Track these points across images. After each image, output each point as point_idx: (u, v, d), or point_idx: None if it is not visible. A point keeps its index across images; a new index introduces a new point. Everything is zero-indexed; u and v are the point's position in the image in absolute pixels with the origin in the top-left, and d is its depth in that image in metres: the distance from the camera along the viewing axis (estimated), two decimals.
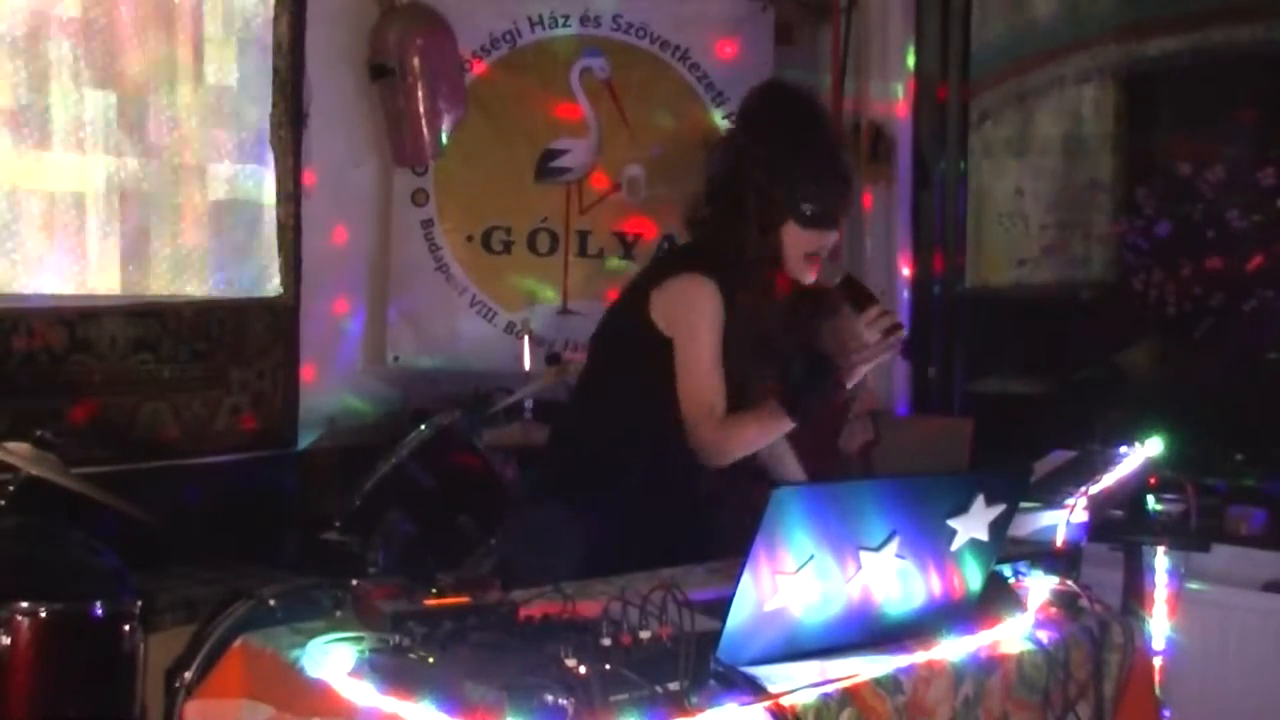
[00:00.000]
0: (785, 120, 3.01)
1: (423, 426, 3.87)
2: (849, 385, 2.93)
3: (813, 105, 3.15)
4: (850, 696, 2.10)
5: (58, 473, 3.24)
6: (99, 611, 3.08)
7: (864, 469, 4.69)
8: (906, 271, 4.93)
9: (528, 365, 4.45)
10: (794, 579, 2.10)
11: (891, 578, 2.24)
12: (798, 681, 2.08)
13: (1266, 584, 4.01)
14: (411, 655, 2.00)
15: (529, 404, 4.26)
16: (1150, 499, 3.40)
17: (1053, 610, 2.56)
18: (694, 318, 2.93)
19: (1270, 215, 4.41)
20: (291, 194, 4.67)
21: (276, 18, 4.57)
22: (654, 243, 4.98)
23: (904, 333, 2.92)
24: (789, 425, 2.92)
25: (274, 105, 4.59)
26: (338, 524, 3.84)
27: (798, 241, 2.96)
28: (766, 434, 2.97)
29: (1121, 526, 3.38)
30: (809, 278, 2.99)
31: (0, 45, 3.94)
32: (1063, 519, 2.96)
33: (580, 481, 3.06)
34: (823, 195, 2.95)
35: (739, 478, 3.09)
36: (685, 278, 2.96)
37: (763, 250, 2.96)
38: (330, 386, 4.88)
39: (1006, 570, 2.60)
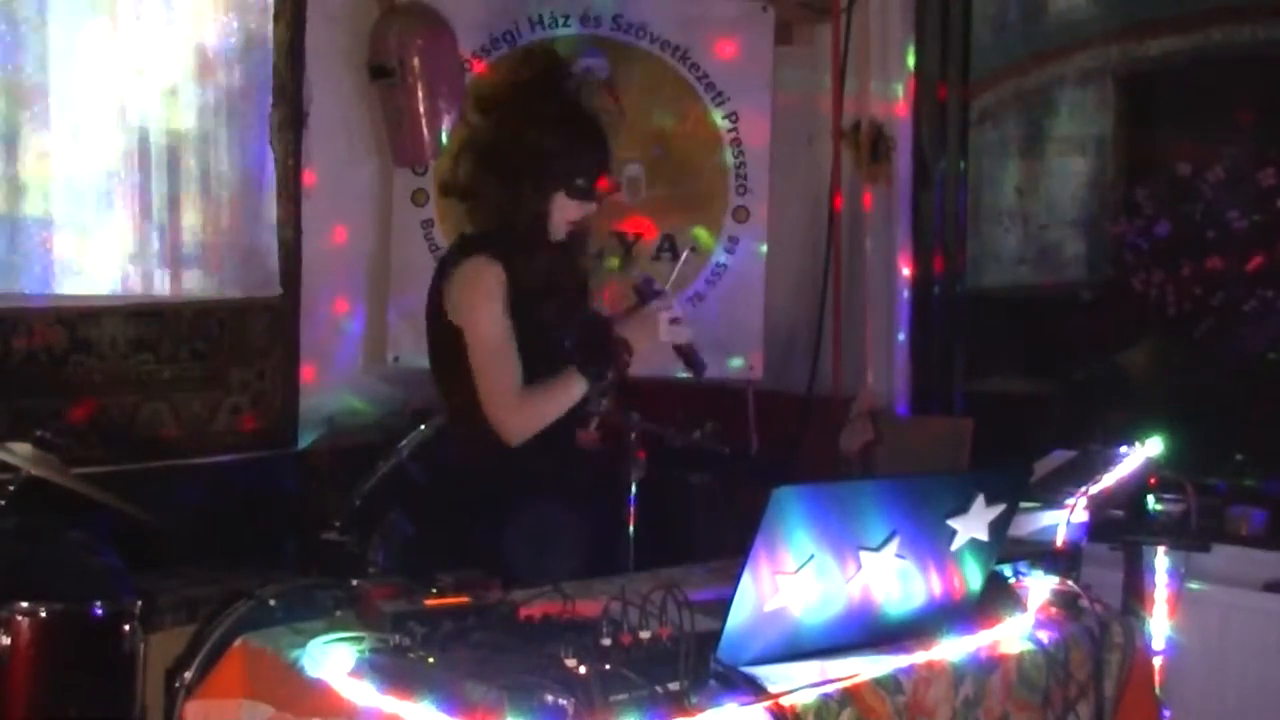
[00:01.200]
0: (561, 95, 3.10)
1: (423, 426, 3.87)
2: (637, 348, 3.04)
3: (584, 84, 3.25)
4: (850, 696, 2.10)
5: (58, 473, 3.25)
6: (99, 611, 3.08)
7: (864, 469, 4.69)
8: (906, 271, 4.93)
9: None
10: (794, 579, 2.10)
11: (891, 578, 2.24)
12: (798, 681, 2.08)
13: (1266, 584, 4.00)
14: (411, 655, 2.00)
15: None
16: (1150, 499, 3.40)
17: (1053, 610, 2.56)
18: (476, 301, 2.98)
19: (1270, 215, 4.41)
20: (291, 194, 4.67)
21: (276, 18, 4.57)
22: (654, 242, 4.98)
23: (689, 335, 3.07)
24: (585, 385, 2.99)
25: (274, 105, 4.59)
26: (338, 524, 3.84)
27: (565, 211, 3.07)
28: (562, 402, 2.99)
29: (1121, 526, 3.38)
30: (562, 238, 3.10)
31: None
32: (1063, 519, 2.97)
33: (454, 499, 3.09)
34: (592, 171, 3.07)
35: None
36: (466, 264, 3.02)
37: (535, 216, 3.04)
38: (330, 386, 4.88)
39: (1006, 570, 2.61)
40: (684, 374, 3.19)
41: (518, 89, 3.13)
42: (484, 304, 2.96)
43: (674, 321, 3.08)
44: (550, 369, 2.99)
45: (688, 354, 3.13)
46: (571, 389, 2.98)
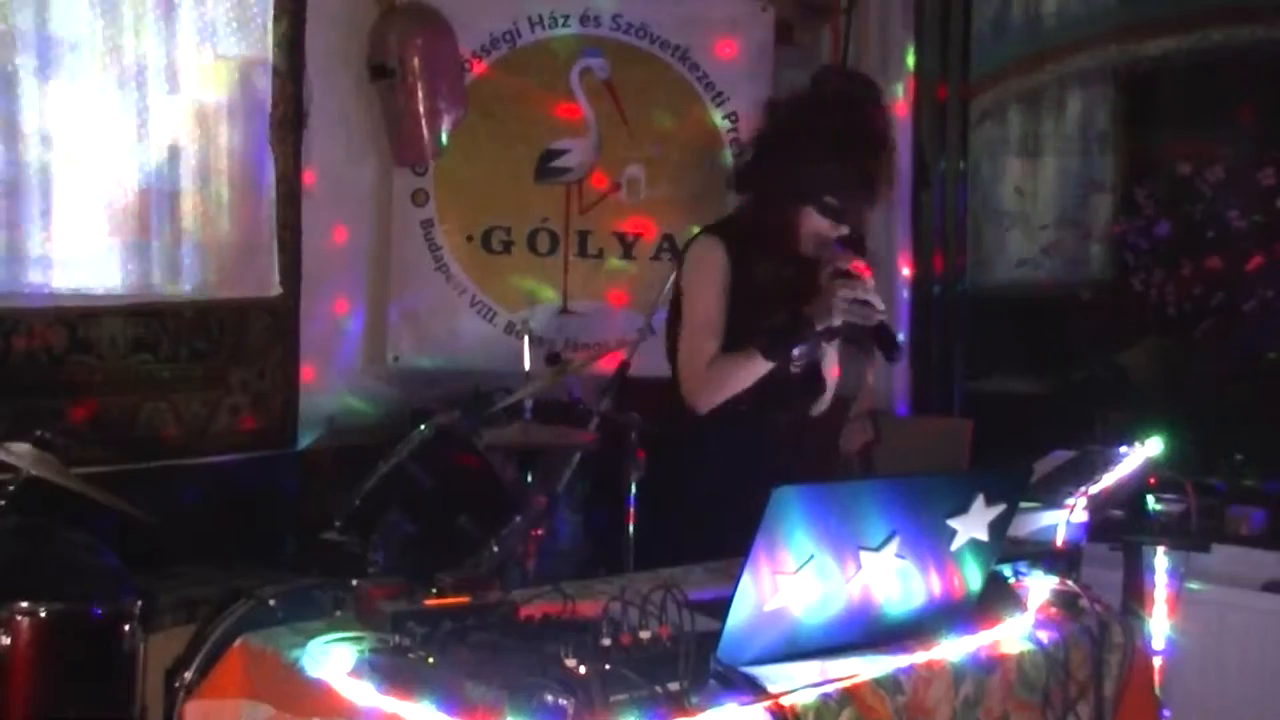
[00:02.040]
0: (837, 114, 3.12)
1: (423, 426, 3.87)
2: (822, 323, 2.99)
3: (865, 99, 3.25)
4: (850, 696, 2.10)
5: (58, 473, 3.25)
6: (99, 611, 3.08)
7: (864, 469, 4.69)
8: (906, 271, 4.93)
9: (528, 365, 4.44)
10: (794, 579, 2.10)
11: (891, 578, 2.24)
12: (798, 681, 2.08)
13: (1266, 584, 4.01)
14: (411, 655, 2.00)
15: (529, 404, 4.25)
16: (1150, 499, 3.40)
17: (1053, 610, 2.56)
18: (697, 275, 3.15)
19: (1270, 215, 4.42)
20: (291, 194, 4.67)
21: (276, 18, 4.56)
22: (654, 243, 4.98)
23: (878, 314, 2.98)
24: (763, 362, 3.03)
25: (274, 105, 4.59)
26: (338, 524, 3.84)
27: (813, 225, 3.11)
28: (741, 375, 3.06)
29: (1121, 526, 3.38)
30: (812, 254, 3.11)
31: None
32: (1063, 519, 2.96)
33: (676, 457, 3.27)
34: (844, 192, 3.09)
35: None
36: (697, 241, 3.19)
37: (780, 222, 3.10)
38: (330, 386, 4.88)
39: (1006, 570, 2.60)
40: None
41: (806, 96, 3.22)
42: (702, 280, 3.12)
43: (856, 302, 2.97)
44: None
45: (878, 335, 3.02)
46: (750, 364, 3.04)
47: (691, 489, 3.20)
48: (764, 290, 3.10)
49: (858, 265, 3.01)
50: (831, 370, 3.22)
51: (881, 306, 3.00)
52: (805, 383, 3.17)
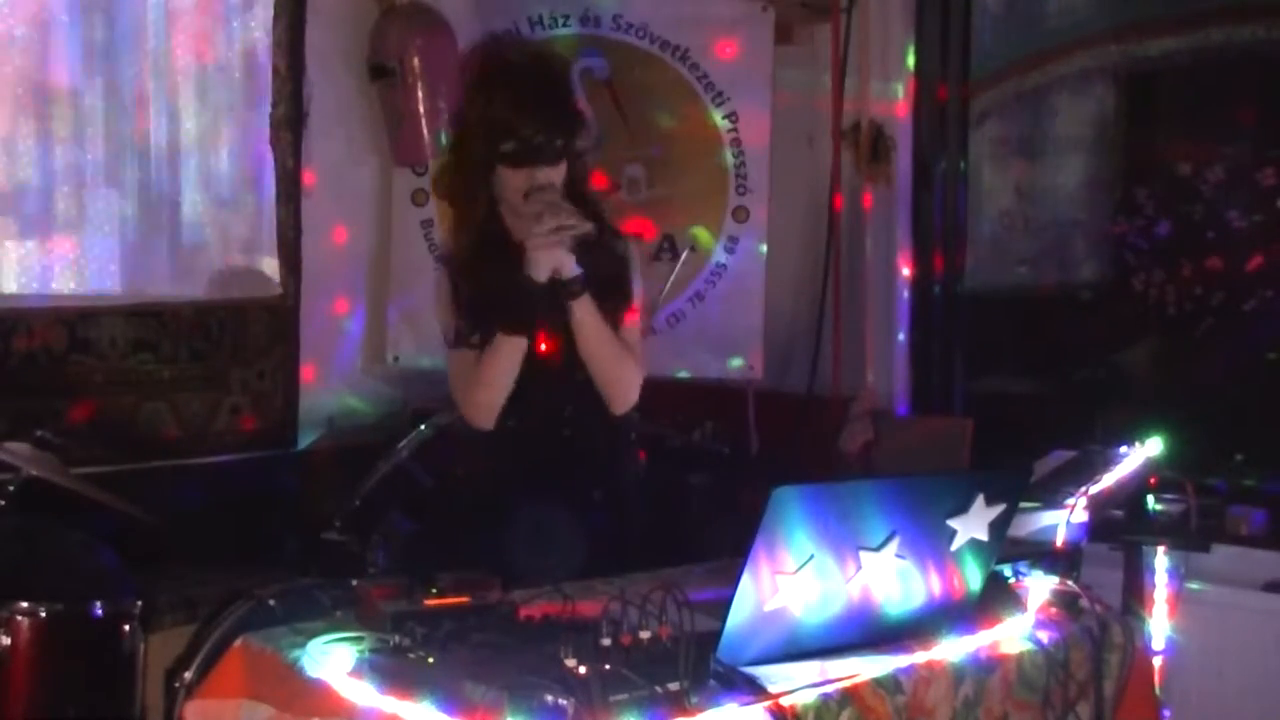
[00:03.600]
0: (491, 71, 3.02)
1: (423, 426, 3.87)
2: (536, 276, 2.88)
3: (527, 49, 3.15)
4: (850, 696, 2.10)
5: (58, 473, 3.25)
6: (99, 611, 3.08)
7: (864, 469, 4.69)
8: (906, 271, 4.93)
9: None
10: (794, 579, 2.10)
11: (891, 578, 2.24)
12: (798, 681, 2.08)
13: (1266, 584, 4.00)
14: (411, 655, 2.00)
15: None
16: (1150, 499, 3.40)
17: (1053, 610, 2.56)
18: (435, 306, 3.05)
19: (1270, 215, 4.41)
20: (291, 194, 4.67)
21: (276, 18, 4.56)
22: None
23: (581, 227, 2.87)
24: (510, 340, 2.91)
25: (274, 105, 4.59)
26: (338, 524, 3.84)
27: (510, 183, 2.93)
28: (493, 362, 2.93)
29: (1121, 526, 3.38)
30: (531, 220, 2.90)
31: None
32: (1063, 519, 2.96)
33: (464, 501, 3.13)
34: (519, 130, 2.90)
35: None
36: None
37: (489, 210, 2.96)
38: (330, 386, 4.88)
39: (1006, 570, 2.61)
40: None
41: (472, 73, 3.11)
42: (440, 315, 3.03)
43: (554, 230, 2.84)
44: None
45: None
46: (499, 348, 2.92)
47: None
48: (487, 273, 2.96)
49: (545, 201, 2.86)
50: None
51: (578, 221, 2.86)
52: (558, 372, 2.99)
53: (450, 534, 3.07)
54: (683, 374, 4.86)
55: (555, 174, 2.94)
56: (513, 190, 2.94)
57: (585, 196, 3.02)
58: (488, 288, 2.95)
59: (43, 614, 3.01)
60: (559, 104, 2.99)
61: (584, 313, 2.95)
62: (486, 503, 3.04)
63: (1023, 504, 2.69)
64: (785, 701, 2.00)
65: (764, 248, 4.95)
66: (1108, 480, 3.17)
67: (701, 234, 4.94)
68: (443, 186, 3.08)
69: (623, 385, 3.05)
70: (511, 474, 3.03)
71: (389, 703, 1.97)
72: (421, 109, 4.65)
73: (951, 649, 2.29)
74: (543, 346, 2.96)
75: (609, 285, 3.02)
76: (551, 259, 2.88)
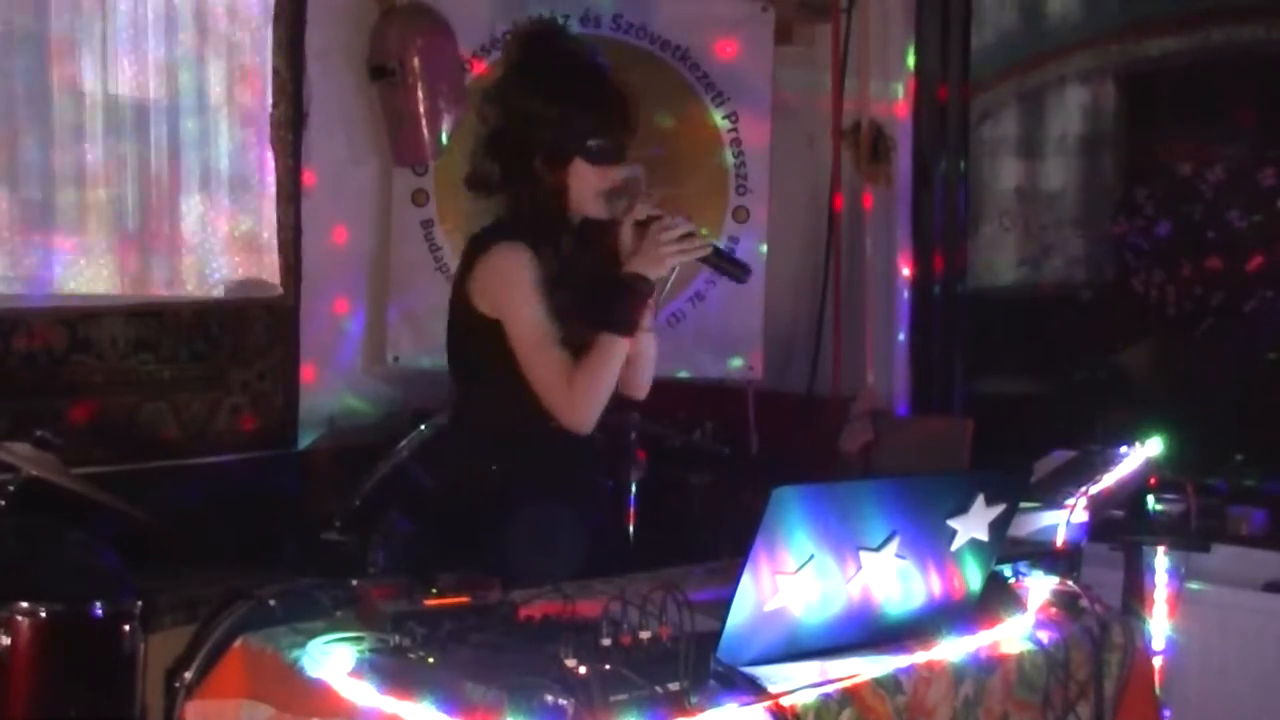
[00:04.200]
0: (557, 61, 2.95)
1: (423, 426, 3.87)
2: (656, 275, 2.85)
3: (578, 44, 3.08)
4: (850, 696, 2.10)
5: (58, 473, 3.25)
6: (99, 611, 3.08)
7: (864, 469, 4.69)
8: (906, 271, 4.93)
9: None
10: (794, 579, 2.10)
11: (891, 578, 2.24)
12: (798, 681, 2.08)
13: (1266, 584, 4.00)
14: (411, 655, 2.00)
15: None
16: (1150, 499, 3.40)
17: (1053, 610, 2.56)
18: (512, 289, 2.83)
19: (1270, 215, 4.41)
20: (291, 194, 4.67)
21: (276, 18, 4.56)
22: None
23: (707, 241, 2.88)
24: (622, 343, 2.82)
25: (274, 105, 4.59)
26: (338, 524, 3.85)
27: (588, 180, 2.90)
28: (608, 369, 2.83)
29: (1121, 526, 3.38)
30: (601, 214, 2.92)
31: None
32: (1063, 519, 2.96)
33: (470, 490, 2.97)
34: (606, 130, 2.90)
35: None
36: (494, 252, 2.86)
37: (555, 194, 2.90)
38: (330, 386, 4.88)
39: (1006, 570, 2.60)
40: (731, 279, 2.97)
41: (512, 66, 3.00)
42: (520, 293, 2.81)
43: (684, 238, 2.85)
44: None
45: (715, 263, 2.91)
46: (609, 350, 2.82)
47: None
48: (573, 273, 2.89)
49: (649, 201, 2.87)
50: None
51: (704, 232, 2.89)
52: None
53: (456, 533, 3.04)
54: (683, 374, 4.86)
55: (623, 172, 2.95)
56: (588, 185, 2.90)
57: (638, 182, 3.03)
58: (589, 281, 2.89)
59: (43, 614, 3.01)
60: (630, 103, 3.01)
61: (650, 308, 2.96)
62: (496, 502, 3.01)
63: (1023, 504, 2.69)
64: (785, 701, 2.00)
65: (764, 248, 4.95)
66: (1108, 480, 3.16)
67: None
68: (489, 174, 2.97)
69: (650, 376, 3.07)
70: (527, 473, 2.96)
71: (389, 703, 1.97)
72: (421, 109, 4.65)
73: (951, 649, 2.29)
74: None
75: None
76: (675, 261, 2.86)
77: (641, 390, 3.06)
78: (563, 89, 2.90)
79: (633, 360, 2.93)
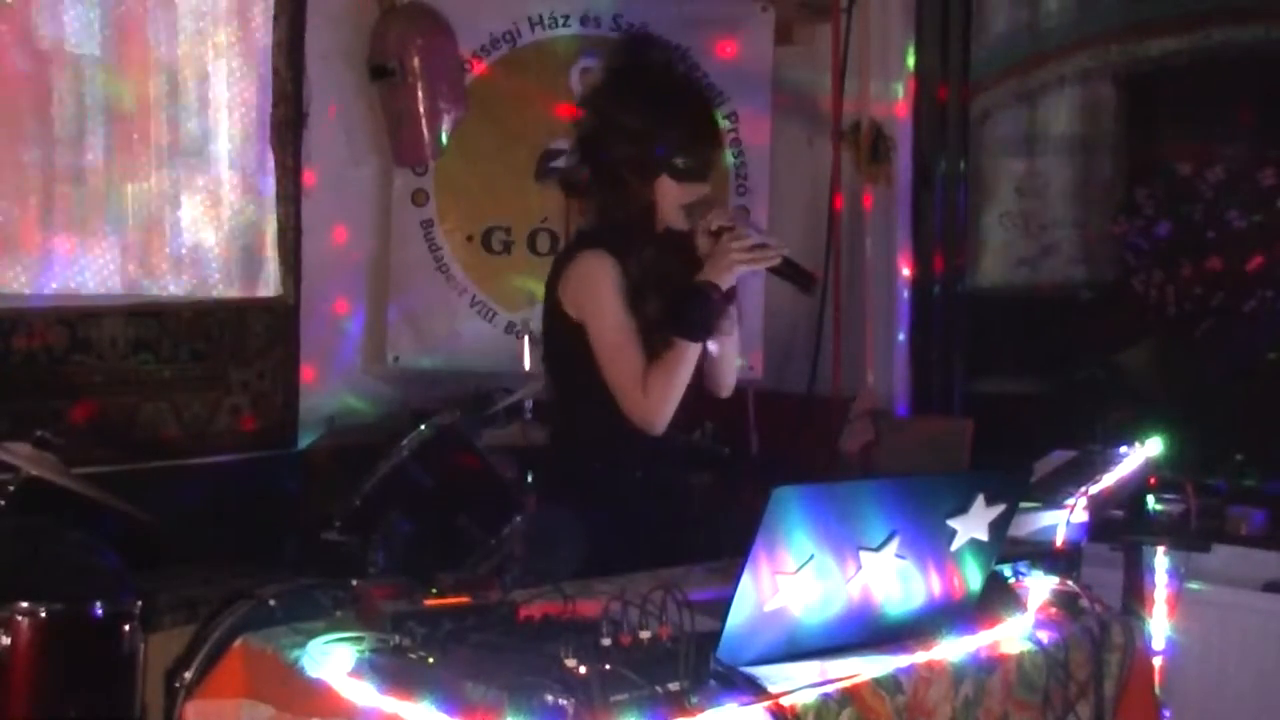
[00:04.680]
0: (653, 76, 3.04)
1: (423, 426, 3.87)
2: (724, 283, 2.92)
3: (674, 62, 3.15)
4: (850, 696, 2.10)
5: (58, 473, 3.25)
6: (99, 611, 3.08)
7: (864, 469, 4.69)
8: (906, 271, 4.93)
9: (528, 365, 4.45)
10: (794, 579, 2.10)
11: (891, 578, 2.24)
12: (798, 681, 2.08)
13: (1266, 584, 4.01)
14: (411, 655, 2.00)
15: (529, 404, 4.26)
16: (1150, 499, 3.39)
17: (1053, 610, 2.56)
18: (596, 294, 2.96)
19: (1270, 215, 4.41)
20: (291, 194, 4.67)
21: (276, 18, 4.57)
22: None
23: (778, 251, 2.94)
24: (693, 347, 2.93)
25: (274, 105, 4.59)
26: (338, 524, 3.84)
27: (672, 195, 2.99)
28: (680, 372, 2.94)
29: (1121, 526, 3.38)
30: (681, 226, 3.01)
31: None
32: (1063, 519, 2.96)
33: (570, 489, 3.11)
34: (694, 149, 2.98)
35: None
36: (580, 259, 2.99)
37: (641, 206, 2.99)
38: (330, 386, 4.88)
39: (1006, 570, 2.60)
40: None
41: (608, 75, 3.09)
42: (603, 298, 2.94)
43: (754, 248, 2.92)
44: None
45: (785, 273, 2.98)
46: (681, 355, 2.92)
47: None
48: (654, 281, 2.97)
49: (722, 211, 2.96)
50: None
51: (777, 243, 2.95)
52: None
53: (562, 529, 3.09)
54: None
55: (706, 188, 3.04)
56: (671, 199, 2.99)
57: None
58: (666, 290, 2.97)
59: (43, 614, 3.01)
60: (717, 124, 3.13)
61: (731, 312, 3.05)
62: (600, 500, 3.04)
63: (1023, 504, 2.69)
64: (785, 701, 2.00)
65: None
66: (1108, 480, 3.16)
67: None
68: (577, 174, 3.06)
69: (734, 375, 3.23)
70: (623, 471, 3.06)
71: (389, 703, 1.97)
72: (421, 109, 4.65)
73: (951, 649, 2.29)
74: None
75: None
76: (743, 269, 2.95)
77: (726, 388, 3.23)
78: (654, 105, 2.99)
79: (716, 360, 3.10)
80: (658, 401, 2.94)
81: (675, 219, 3.01)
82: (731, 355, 3.16)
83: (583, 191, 3.08)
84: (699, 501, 3.20)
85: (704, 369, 3.09)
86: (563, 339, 3.03)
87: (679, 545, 2.95)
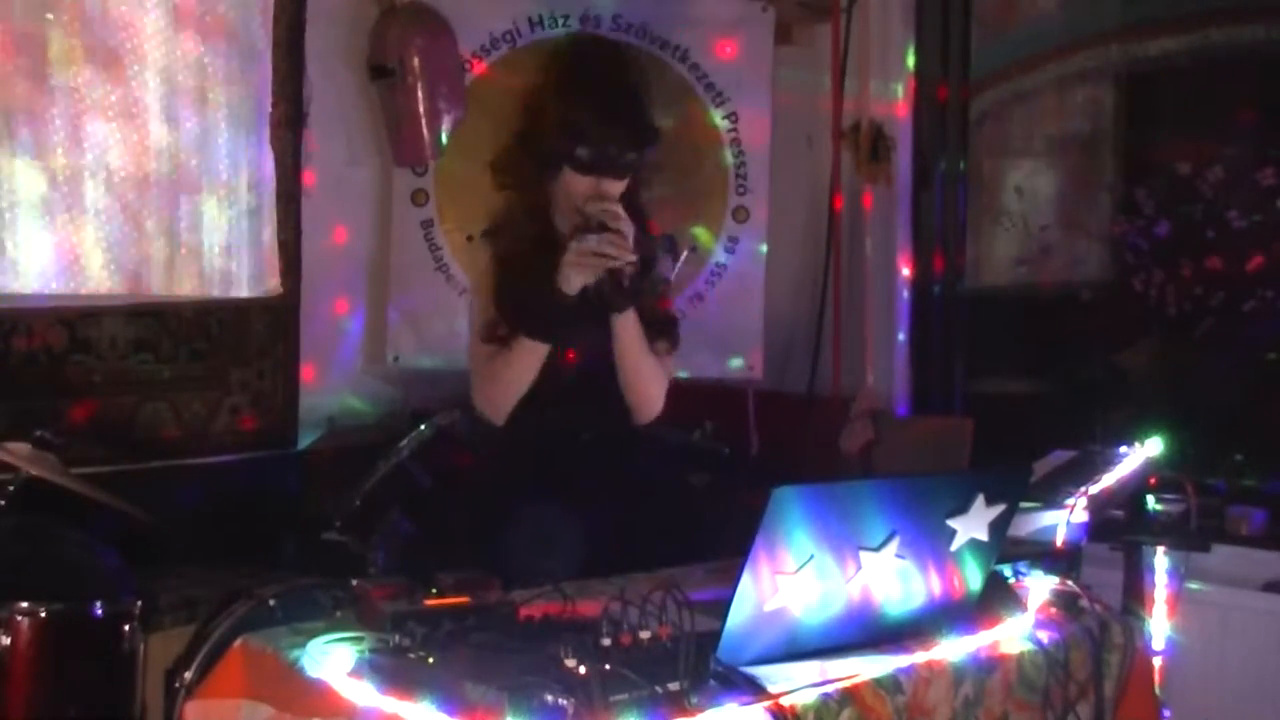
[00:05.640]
0: (581, 68, 3.04)
1: (423, 426, 3.87)
2: (566, 289, 2.89)
3: (614, 56, 3.16)
4: (850, 696, 2.10)
5: (58, 473, 3.24)
6: (99, 611, 3.08)
7: (864, 469, 4.69)
8: (906, 271, 4.93)
9: None
10: (794, 579, 2.10)
11: (891, 578, 2.24)
12: (798, 681, 2.08)
13: (1266, 584, 4.01)
14: (411, 655, 2.00)
15: None
16: (1150, 499, 3.40)
17: (1053, 610, 2.56)
18: (472, 283, 3.10)
19: (1270, 215, 4.41)
20: (291, 194, 4.67)
21: (276, 18, 4.56)
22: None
23: (610, 263, 2.87)
24: (531, 346, 2.92)
25: (274, 105, 4.58)
26: (338, 524, 3.84)
27: (574, 188, 2.95)
28: (514, 366, 2.94)
29: (1121, 526, 3.38)
30: (573, 234, 2.93)
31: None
32: (1063, 519, 2.97)
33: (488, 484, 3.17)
34: (600, 142, 2.91)
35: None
36: (470, 248, 3.12)
37: (535, 196, 2.98)
38: (330, 386, 4.88)
39: (1006, 570, 2.61)
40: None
41: (547, 69, 3.11)
42: (472, 287, 3.06)
43: (590, 254, 2.85)
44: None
45: (599, 291, 2.91)
46: (519, 350, 2.93)
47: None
48: (516, 276, 2.97)
49: (606, 212, 2.87)
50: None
51: (620, 254, 2.86)
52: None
53: (452, 534, 3.08)
54: (682, 374, 4.85)
55: (619, 187, 2.97)
56: (575, 194, 2.95)
57: (637, 206, 3.04)
58: (525, 285, 2.95)
59: (43, 614, 3.01)
60: (638, 119, 3.02)
61: (624, 328, 2.98)
62: (490, 503, 3.05)
63: (1023, 504, 2.69)
64: (785, 701, 2.00)
65: (764, 248, 4.95)
66: (1108, 480, 3.17)
67: (701, 234, 4.94)
68: (506, 168, 3.05)
69: (651, 400, 3.11)
70: (521, 475, 3.03)
71: (389, 703, 1.97)
72: (421, 109, 4.65)
73: (951, 649, 2.29)
74: (570, 356, 3.00)
75: (649, 300, 3.06)
76: (581, 278, 2.90)
77: (645, 413, 3.12)
78: (565, 94, 2.96)
79: (628, 383, 3.04)
80: (488, 388, 2.98)
81: (570, 214, 2.96)
82: (646, 378, 3.07)
83: (504, 183, 3.09)
84: (702, 501, 3.18)
85: (622, 386, 3.05)
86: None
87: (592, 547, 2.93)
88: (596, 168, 2.93)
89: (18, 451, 3.20)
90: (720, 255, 4.93)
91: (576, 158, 2.92)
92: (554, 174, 2.96)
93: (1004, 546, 2.42)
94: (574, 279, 2.89)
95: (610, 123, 2.94)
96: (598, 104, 2.94)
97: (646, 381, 3.07)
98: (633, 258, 2.89)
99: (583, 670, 1.84)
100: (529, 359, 2.94)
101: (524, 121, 3.05)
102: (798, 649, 2.18)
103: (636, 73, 3.17)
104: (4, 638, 2.96)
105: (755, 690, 2.00)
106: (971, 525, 2.29)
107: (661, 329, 3.10)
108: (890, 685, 2.16)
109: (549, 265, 2.93)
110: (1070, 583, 2.62)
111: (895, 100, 4.92)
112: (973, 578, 2.37)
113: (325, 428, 4.83)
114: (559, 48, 3.17)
